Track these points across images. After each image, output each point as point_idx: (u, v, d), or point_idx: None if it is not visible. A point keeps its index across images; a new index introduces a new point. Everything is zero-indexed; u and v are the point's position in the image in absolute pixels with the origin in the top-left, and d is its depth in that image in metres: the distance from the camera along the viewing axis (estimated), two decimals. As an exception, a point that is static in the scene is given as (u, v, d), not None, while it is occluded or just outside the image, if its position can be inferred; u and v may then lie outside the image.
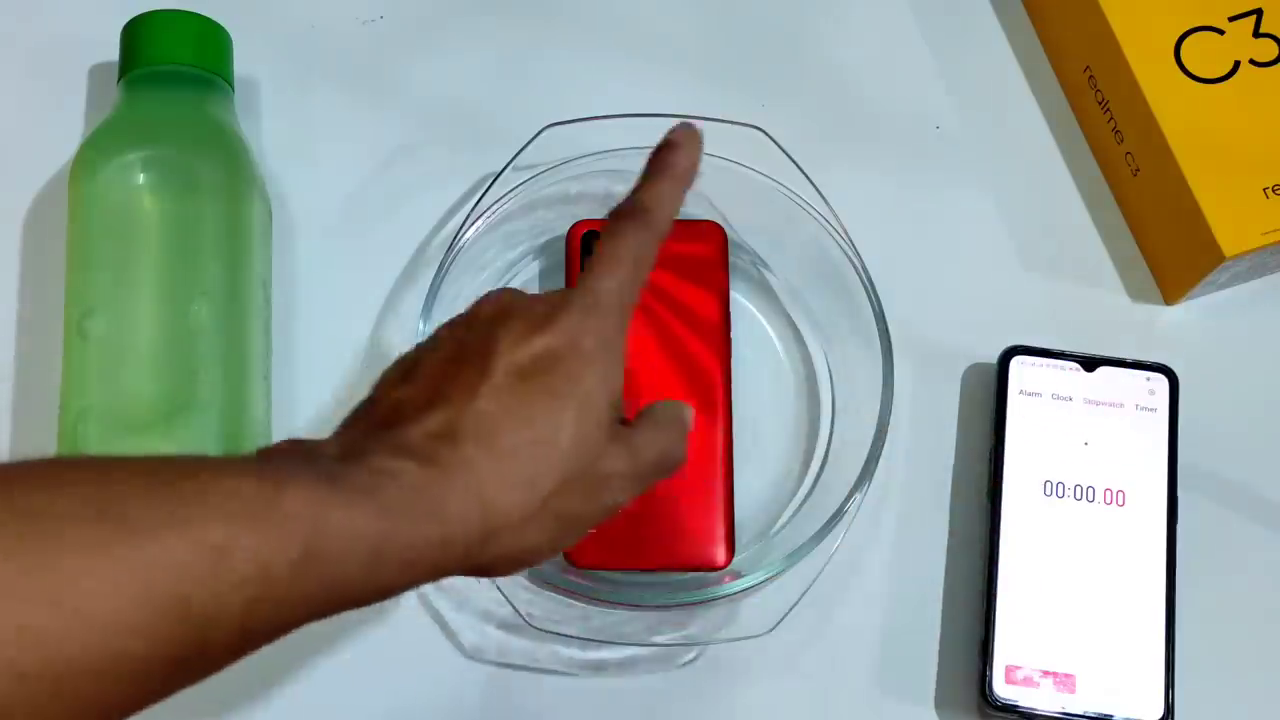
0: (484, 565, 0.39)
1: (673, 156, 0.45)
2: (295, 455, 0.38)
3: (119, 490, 0.33)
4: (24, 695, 0.31)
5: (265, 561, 0.33)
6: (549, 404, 0.40)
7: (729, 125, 0.58)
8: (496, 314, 0.42)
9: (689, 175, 0.45)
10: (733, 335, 0.58)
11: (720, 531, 0.55)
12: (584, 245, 0.58)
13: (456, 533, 0.38)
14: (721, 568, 0.55)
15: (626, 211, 0.44)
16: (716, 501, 0.56)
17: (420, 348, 0.43)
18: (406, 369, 0.42)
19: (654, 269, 0.57)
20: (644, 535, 0.55)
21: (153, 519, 0.32)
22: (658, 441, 0.43)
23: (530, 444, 0.39)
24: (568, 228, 0.59)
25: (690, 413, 0.45)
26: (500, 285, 0.60)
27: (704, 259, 0.58)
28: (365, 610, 0.55)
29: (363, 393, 0.47)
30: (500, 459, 0.38)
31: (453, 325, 0.43)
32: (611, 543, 0.55)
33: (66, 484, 0.33)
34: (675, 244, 0.58)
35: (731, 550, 0.55)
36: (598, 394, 0.40)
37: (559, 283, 0.59)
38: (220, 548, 0.33)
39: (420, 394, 0.40)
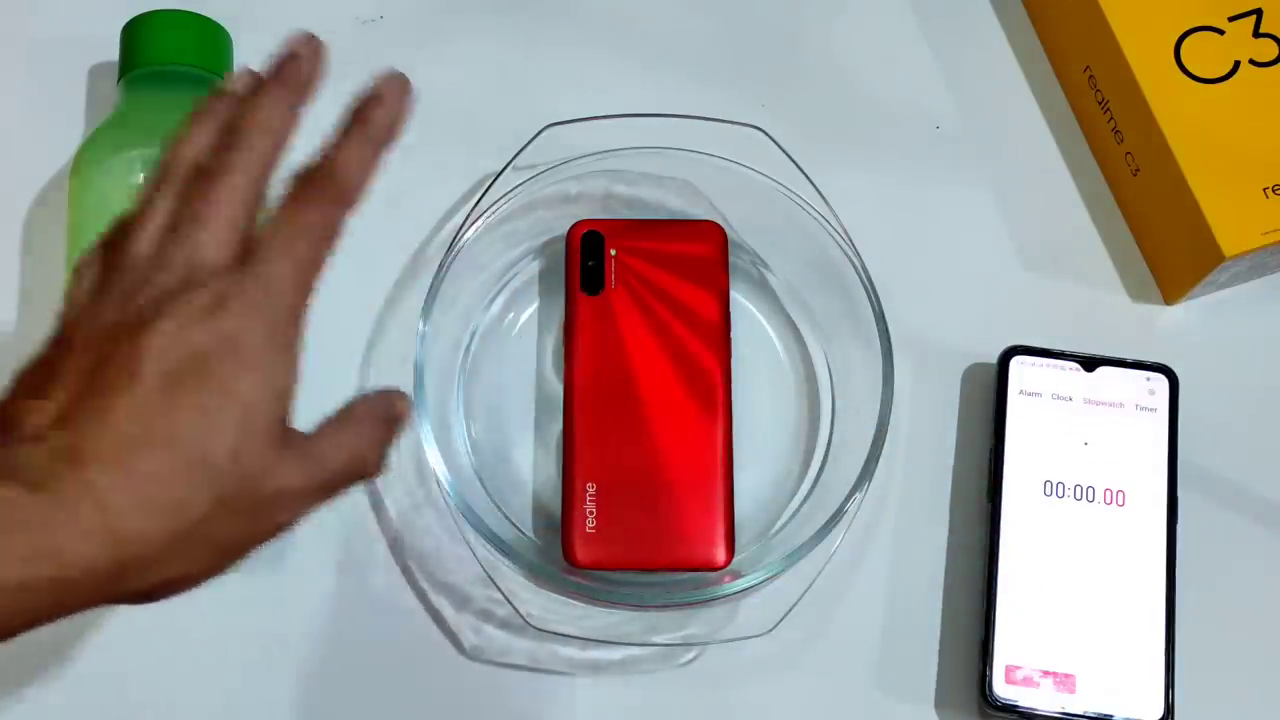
0: (130, 595, 0.36)
1: (373, 112, 0.40)
2: None
3: None
4: None
5: None
6: (199, 420, 0.35)
7: (729, 125, 0.58)
8: (160, 297, 0.37)
9: (390, 136, 0.40)
10: (733, 335, 0.58)
11: (720, 531, 0.55)
12: (584, 245, 0.58)
13: (75, 574, 0.33)
14: (721, 568, 0.55)
15: (314, 178, 0.40)
16: (716, 501, 0.56)
17: (69, 324, 0.38)
18: (48, 361, 0.37)
19: (653, 268, 0.58)
20: (644, 535, 0.55)
21: None
22: (346, 445, 0.39)
23: (176, 467, 0.35)
24: (568, 228, 0.59)
25: (404, 405, 0.41)
26: (500, 285, 0.60)
27: (704, 259, 0.58)
28: (364, 609, 0.56)
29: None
30: (137, 483, 0.34)
31: (108, 294, 0.38)
32: (611, 543, 0.55)
33: None
34: (675, 244, 0.58)
35: (731, 550, 0.55)
36: (260, 402, 0.36)
37: (559, 283, 0.59)
38: None
39: (52, 401, 0.36)
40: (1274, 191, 0.57)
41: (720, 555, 0.55)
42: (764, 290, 0.60)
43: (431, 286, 0.55)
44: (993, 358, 0.58)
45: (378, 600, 0.56)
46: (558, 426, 0.57)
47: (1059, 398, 0.57)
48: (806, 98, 0.64)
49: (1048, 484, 0.56)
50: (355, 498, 0.57)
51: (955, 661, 0.56)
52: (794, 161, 0.57)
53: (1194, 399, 0.57)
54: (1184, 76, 0.58)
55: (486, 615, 0.56)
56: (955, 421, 0.59)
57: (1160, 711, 0.53)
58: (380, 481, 0.57)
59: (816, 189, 0.57)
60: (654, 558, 0.55)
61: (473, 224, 0.57)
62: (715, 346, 0.57)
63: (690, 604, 0.54)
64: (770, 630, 0.53)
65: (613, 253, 0.58)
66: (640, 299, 0.58)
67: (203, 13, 0.59)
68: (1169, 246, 0.60)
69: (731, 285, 0.59)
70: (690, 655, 0.56)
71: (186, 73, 0.58)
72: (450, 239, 0.57)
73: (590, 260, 0.58)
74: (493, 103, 0.63)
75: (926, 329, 0.60)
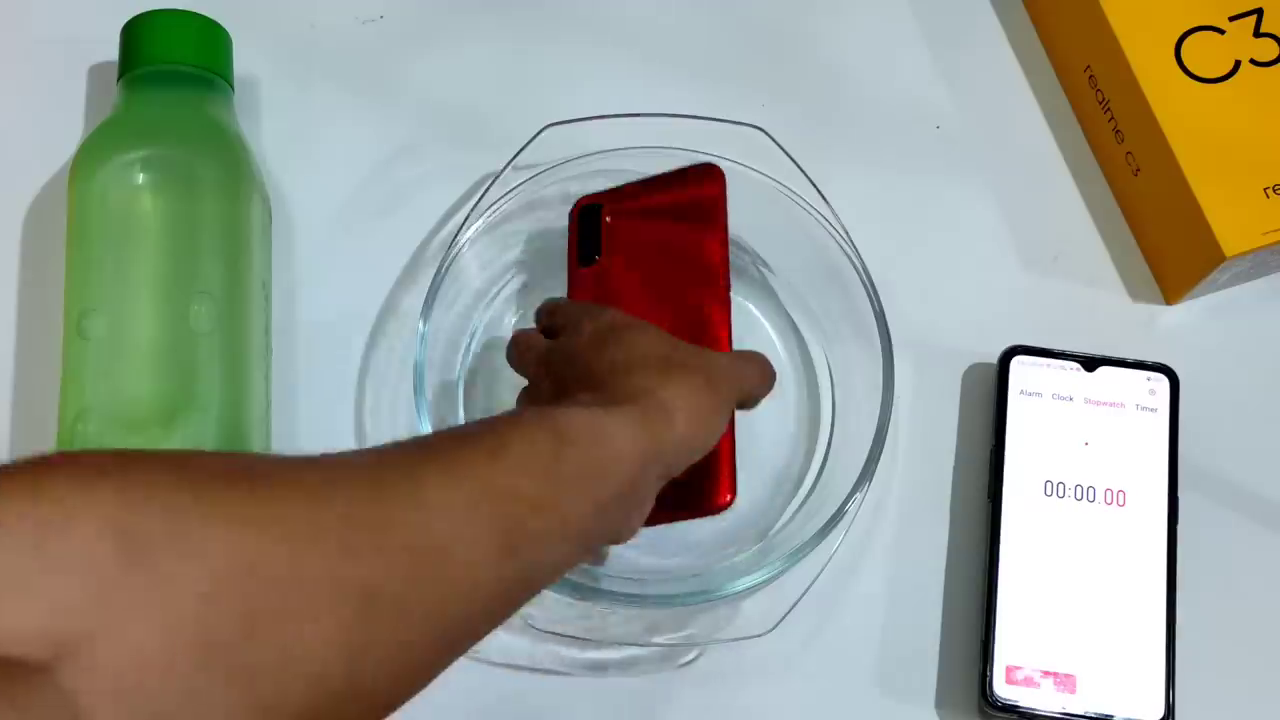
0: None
1: None
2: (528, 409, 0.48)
3: (439, 441, 0.40)
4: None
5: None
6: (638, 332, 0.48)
7: (729, 125, 0.58)
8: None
9: None
10: (733, 335, 0.58)
11: (723, 470, 0.52)
12: (581, 220, 0.58)
13: (665, 447, 0.44)
14: (727, 507, 0.52)
15: None
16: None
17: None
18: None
19: (648, 225, 0.57)
20: None
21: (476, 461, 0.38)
22: (752, 372, 0.50)
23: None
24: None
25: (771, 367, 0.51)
26: (500, 285, 0.60)
27: (703, 201, 0.56)
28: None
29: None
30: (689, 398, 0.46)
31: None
32: None
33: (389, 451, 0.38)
34: (672, 194, 0.56)
35: (734, 489, 0.52)
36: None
37: (558, 283, 0.59)
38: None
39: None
40: (1274, 191, 0.57)
41: (725, 495, 0.53)
42: (764, 290, 0.60)
43: (431, 286, 0.55)
44: (993, 358, 0.58)
45: (378, 600, 0.56)
46: (558, 426, 0.57)
47: (1059, 398, 0.57)
48: (806, 98, 0.64)
49: (1048, 484, 0.56)
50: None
51: (955, 661, 0.56)
52: (794, 161, 0.57)
53: (1194, 399, 0.57)
54: (1184, 76, 0.58)
55: (486, 615, 0.56)
56: (955, 421, 0.59)
57: (1160, 712, 0.53)
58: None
59: (817, 189, 0.57)
60: (661, 512, 0.53)
61: (473, 224, 0.57)
62: (714, 287, 0.56)
63: (690, 604, 0.53)
64: (770, 630, 0.53)
65: (607, 219, 0.57)
66: (635, 260, 0.57)
67: (203, 13, 0.59)
68: (1169, 246, 0.60)
69: (732, 285, 0.59)
70: (691, 655, 0.56)
71: (186, 73, 0.58)
72: (450, 239, 0.57)
73: (586, 233, 0.57)
74: (493, 103, 0.63)
75: (926, 329, 0.60)
